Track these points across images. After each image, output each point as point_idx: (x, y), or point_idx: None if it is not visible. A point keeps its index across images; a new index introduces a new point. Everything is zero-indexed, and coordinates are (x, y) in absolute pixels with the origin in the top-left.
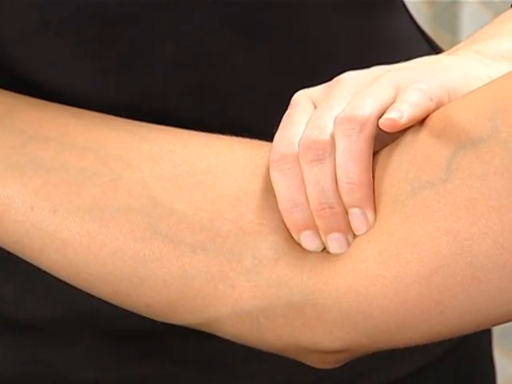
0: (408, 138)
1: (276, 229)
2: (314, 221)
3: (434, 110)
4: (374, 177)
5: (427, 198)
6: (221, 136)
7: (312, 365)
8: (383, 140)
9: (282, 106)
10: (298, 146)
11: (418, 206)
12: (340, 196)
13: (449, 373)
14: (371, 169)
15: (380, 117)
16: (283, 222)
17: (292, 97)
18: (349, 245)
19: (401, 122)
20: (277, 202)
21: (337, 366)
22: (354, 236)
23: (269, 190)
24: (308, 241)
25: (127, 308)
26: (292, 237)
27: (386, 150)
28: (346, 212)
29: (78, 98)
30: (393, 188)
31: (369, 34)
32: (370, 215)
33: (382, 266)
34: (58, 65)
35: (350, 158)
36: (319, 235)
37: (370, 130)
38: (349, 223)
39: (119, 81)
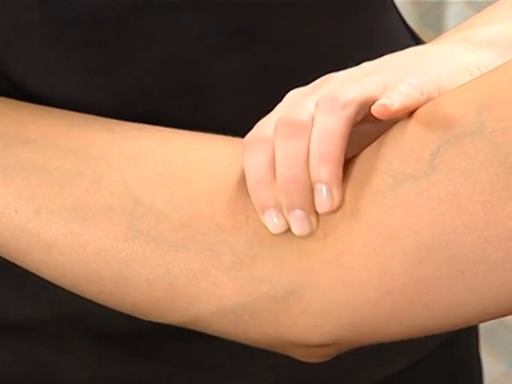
0: (395, 131)
1: (248, 220)
2: (279, 200)
3: (424, 104)
4: (358, 168)
5: (409, 191)
6: (202, 133)
7: (299, 359)
8: (370, 136)
9: (270, 108)
10: (275, 125)
11: (400, 199)
12: (308, 173)
13: (438, 371)
14: (345, 149)
15: (363, 105)
16: (253, 212)
17: (281, 98)
18: (311, 227)
19: (392, 109)
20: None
21: (324, 359)
22: (317, 216)
23: (244, 181)
24: (271, 219)
25: (113, 307)
26: (263, 228)
27: (373, 144)
28: (312, 192)
29: (63, 100)
30: (374, 179)
31: (360, 34)
32: (337, 194)
33: (366, 258)
34: (44, 66)
35: (326, 133)
36: (283, 214)
37: (350, 111)
38: (313, 202)
39: (106, 84)
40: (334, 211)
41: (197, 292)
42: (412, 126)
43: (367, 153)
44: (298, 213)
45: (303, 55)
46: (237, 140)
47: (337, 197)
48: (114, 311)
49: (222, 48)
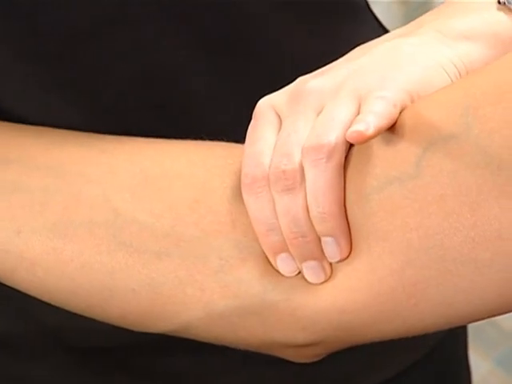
0: (379, 135)
1: (234, 223)
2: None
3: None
4: (344, 173)
5: (394, 193)
6: (177, 141)
7: (290, 359)
8: None
9: (249, 119)
10: (269, 172)
11: (385, 202)
12: (312, 224)
13: (427, 375)
14: (342, 197)
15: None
16: (239, 215)
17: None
18: (325, 272)
19: (368, 134)
20: (233, 198)
21: (315, 359)
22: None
23: (225, 187)
24: (284, 264)
25: (103, 321)
26: (252, 230)
27: (358, 145)
28: (320, 239)
29: (38, 116)
30: (358, 182)
31: (332, 47)
32: (344, 243)
33: (355, 260)
34: (14, 81)
35: (320, 187)
36: (294, 259)
37: (338, 157)
38: (323, 250)
39: (79, 96)
40: (344, 259)
41: (183, 298)
42: (397, 129)
43: (352, 156)
44: (311, 263)
45: (276, 65)
46: (210, 144)
47: (344, 245)
48: (89, 325)
49: (195, 59)
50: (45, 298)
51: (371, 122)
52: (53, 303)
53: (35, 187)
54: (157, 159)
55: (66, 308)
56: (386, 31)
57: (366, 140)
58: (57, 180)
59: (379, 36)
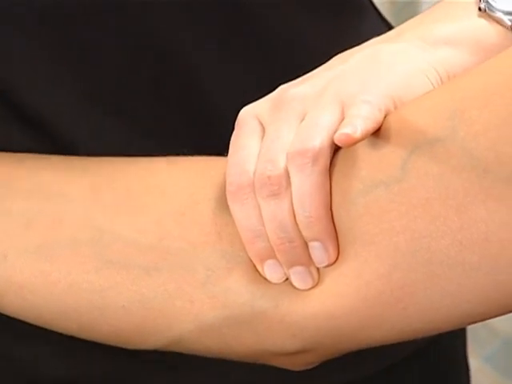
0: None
1: (220, 234)
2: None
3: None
4: (330, 177)
5: (380, 197)
6: (159, 157)
7: (284, 367)
8: None
9: (246, 102)
10: (254, 178)
11: (370, 205)
12: (299, 230)
13: (419, 371)
14: (329, 201)
15: (331, 144)
16: (224, 226)
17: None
18: (312, 277)
19: (355, 137)
20: (218, 209)
21: (309, 367)
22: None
23: (209, 199)
24: (272, 271)
25: (96, 340)
26: (238, 240)
27: (343, 149)
28: (307, 245)
29: (33, 91)
30: (344, 186)
31: (336, 40)
32: (331, 247)
33: (342, 265)
34: (7, 65)
35: (306, 192)
36: (281, 265)
37: (323, 162)
38: (310, 256)
39: (79, 72)
40: (332, 264)
41: (173, 312)
42: (383, 133)
43: (338, 160)
44: (298, 268)
45: (276, 54)
46: (193, 158)
47: (331, 250)
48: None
49: (197, 39)
50: (36, 322)
51: (359, 125)
52: (44, 326)
53: (16, 210)
54: (139, 176)
55: (58, 330)
56: (389, 27)
57: (354, 143)
58: (39, 202)
59: (382, 32)
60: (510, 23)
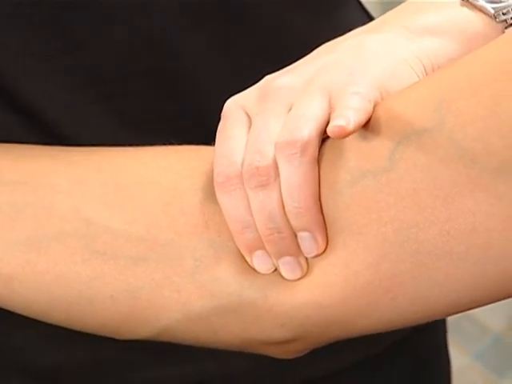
0: None
1: (207, 224)
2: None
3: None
4: (318, 167)
5: (368, 187)
6: (145, 147)
7: (273, 356)
8: None
9: (234, 91)
10: (242, 169)
11: (358, 196)
12: (287, 220)
13: (402, 361)
14: (317, 191)
15: (319, 134)
16: (212, 215)
17: (240, 84)
18: (301, 267)
19: (349, 129)
20: (205, 199)
21: (298, 355)
22: (306, 258)
23: (196, 188)
24: (260, 261)
25: (85, 331)
26: (225, 229)
27: (331, 140)
28: (296, 235)
29: (28, 83)
30: (332, 176)
31: (322, 30)
32: (320, 237)
33: (330, 255)
34: (5, 50)
35: (295, 183)
36: (270, 256)
37: (311, 152)
38: (299, 246)
39: (69, 65)
40: (321, 254)
41: (161, 301)
42: (371, 124)
43: (326, 150)
44: (287, 259)
45: (265, 42)
46: (181, 148)
47: (320, 240)
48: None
49: (185, 30)
50: (25, 312)
51: (351, 116)
52: (33, 317)
53: (3, 203)
54: (126, 166)
55: (47, 321)
56: (370, 17)
57: (347, 135)
58: (26, 194)
59: (365, 22)
60: (493, 11)
